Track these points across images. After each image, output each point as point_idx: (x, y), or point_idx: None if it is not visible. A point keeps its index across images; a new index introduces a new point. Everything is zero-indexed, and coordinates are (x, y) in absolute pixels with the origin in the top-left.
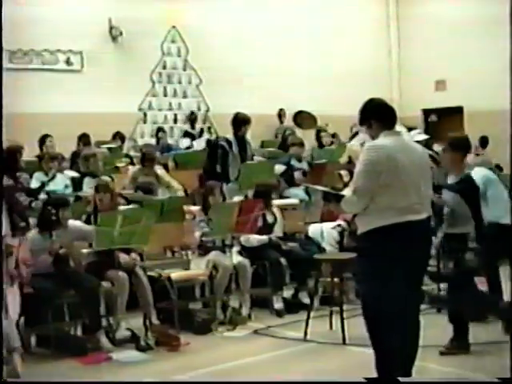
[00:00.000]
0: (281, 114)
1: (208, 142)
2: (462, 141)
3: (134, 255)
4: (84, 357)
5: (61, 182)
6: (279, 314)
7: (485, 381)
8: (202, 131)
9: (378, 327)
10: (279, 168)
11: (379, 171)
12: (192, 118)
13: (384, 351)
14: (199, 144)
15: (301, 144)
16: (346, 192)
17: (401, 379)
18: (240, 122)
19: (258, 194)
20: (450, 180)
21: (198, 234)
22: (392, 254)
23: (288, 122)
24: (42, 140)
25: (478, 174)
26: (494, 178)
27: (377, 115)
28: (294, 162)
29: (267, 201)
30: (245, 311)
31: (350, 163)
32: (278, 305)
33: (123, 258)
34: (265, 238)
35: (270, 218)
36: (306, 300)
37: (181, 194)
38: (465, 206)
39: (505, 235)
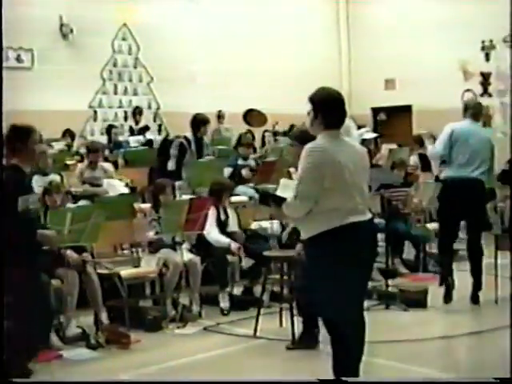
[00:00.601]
0: (219, 115)
1: (164, 139)
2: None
3: (84, 254)
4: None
5: None
6: (224, 312)
7: (483, 381)
8: (146, 128)
9: (336, 329)
10: (226, 171)
11: (323, 174)
12: (136, 113)
13: (343, 352)
14: (136, 140)
15: (248, 144)
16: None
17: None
18: (199, 122)
19: (212, 193)
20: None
21: (150, 232)
22: (340, 257)
23: (226, 122)
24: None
25: None
26: None
27: (324, 109)
28: (240, 161)
29: (220, 199)
30: (195, 309)
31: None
32: (224, 304)
33: (72, 256)
34: (226, 241)
35: (222, 216)
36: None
37: (124, 189)
38: None
39: None
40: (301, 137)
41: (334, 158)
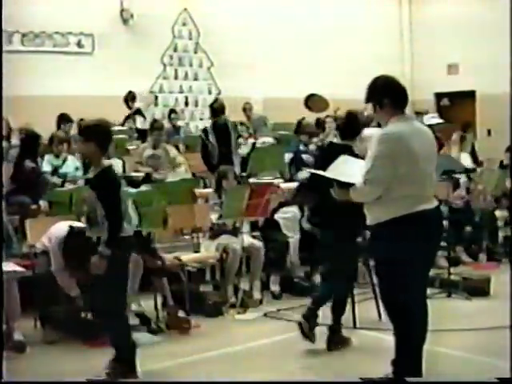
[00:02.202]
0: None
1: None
2: (97, 128)
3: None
4: (94, 340)
5: (71, 165)
6: (275, 295)
7: (484, 381)
8: (138, 111)
9: (401, 315)
10: (287, 156)
11: (396, 162)
12: (128, 98)
13: (406, 338)
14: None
15: (310, 132)
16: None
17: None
18: (215, 110)
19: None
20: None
21: (213, 216)
22: (408, 244)
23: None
24: (60, 120)
25: None
26: None
27: (390, 94)
28: (302, 147)
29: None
30: (256, 295)
31: None
32: (274, 287)
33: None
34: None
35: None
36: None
37: (185, 169)
38: None
39: None
40: (85, 131)
41: (408, 146)
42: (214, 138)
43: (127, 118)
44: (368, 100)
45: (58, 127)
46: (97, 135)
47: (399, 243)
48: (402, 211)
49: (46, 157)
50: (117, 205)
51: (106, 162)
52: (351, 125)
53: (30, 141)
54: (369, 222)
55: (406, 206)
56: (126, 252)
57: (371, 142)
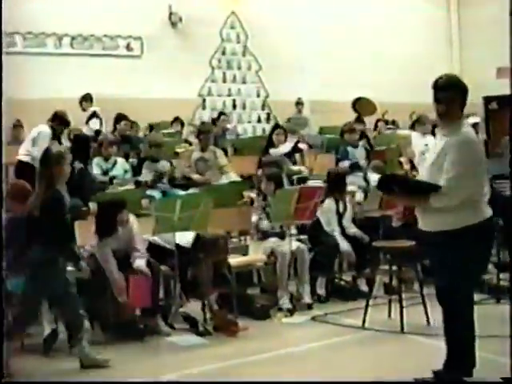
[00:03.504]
0: (298, 103)
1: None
2: None
3: None
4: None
5: (120, 167)
6: (321, 299)
7: (487, 381)
8: (94, 115)
9: (460, 318)
10: (343, 164)
11: (477, 168)
12: (83, 100)
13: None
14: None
15: (352, 130)
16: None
17: None
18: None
19: (330, 181)
20: None
21: (254, 218)
22: (482, 250)
23: (305, 111)
24: (117, 121)
25: None
26: None
27: (462, 94)
28: (350, 149)
29: (338, 189)
30: (307, 299)
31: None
32: (321, 290)
33: None
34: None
35: (341, 207)
36: (365, 288)
37: (234, 176)
38: None
39: None
40: None
41: (482, 150)
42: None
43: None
44: (440, 100)
45: (114, 128)
46: None
47: (469, 251)
48: (477, 218)
49: (95, 159)
50: None
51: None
52: None
53: (81, 143)
54: (431, 227)
55: (479, 213)
56: None
57: (450, 148)
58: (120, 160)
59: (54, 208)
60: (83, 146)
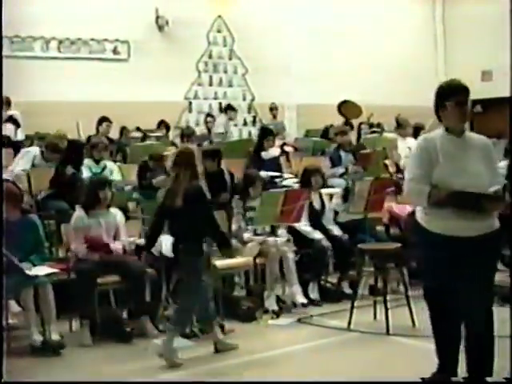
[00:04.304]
0: (272, 108)
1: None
2: None
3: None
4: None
5: (109, 170)
6: (316, 303)
7: (490, 381)
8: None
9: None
10: (337, 171)
11: None
12: None
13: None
14: None
15: (344, 132)
16: None
17: None
18: None
19: (305, 177)
20: None
21: (234, 227)
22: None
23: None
24: (100, 122)
25: None
26: None
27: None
28: (342, 153)
29: (311, 185)
30: (300, 299)
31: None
32: (314, 294)
33: None
34: (317, 236)
35: (316, 204)
36: (348, 290)
37: None
38: None
39: None
40: None
41: None
42: None
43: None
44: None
45: (97, 131)
46: None
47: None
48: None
49: (86, 161)
50: None
51: None
52: None
53: (74, 149)
54: (480, 231)
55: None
56: None
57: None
58: (109, 163)
59: (198, 199)
60: (76, 152)
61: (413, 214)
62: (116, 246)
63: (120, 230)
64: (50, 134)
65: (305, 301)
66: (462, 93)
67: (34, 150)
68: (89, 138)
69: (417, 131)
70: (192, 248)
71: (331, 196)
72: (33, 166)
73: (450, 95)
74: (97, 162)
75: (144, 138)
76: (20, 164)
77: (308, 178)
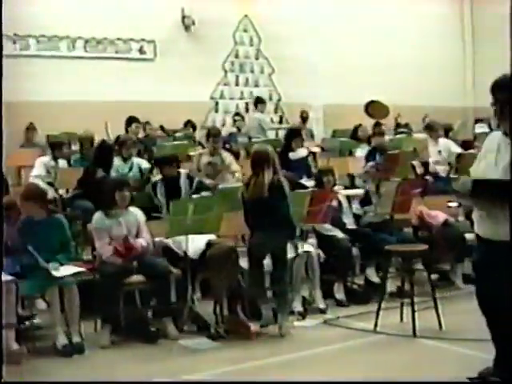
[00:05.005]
0: (303, 115)
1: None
2: None
3: None
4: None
5: (136, 168)
6: (343, 304)
7: (488, 380)
8: None
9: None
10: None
11: None
12: None
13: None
14: None
15: (381, 134)
16: None
17: None
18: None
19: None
20: None
21: None
22: None
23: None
24: (129, 123)
25: None
26: None
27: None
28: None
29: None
30: (320, 304)
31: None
32: (339, 295)
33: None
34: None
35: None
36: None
37: (237, 176)
38: None
39: None
40: None
41: None
42: None
43: None
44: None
45: (126, 131)
46: None
47: None
48: None
49: (115, 160)
50: None
51: None
52: None
53: (104, 151)
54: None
55: None
56: None
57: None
58: (136, 159)
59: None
60: (106, 154)
61: (445, 223)
62: (139, 243)
63: (141, 228)
64: (77, 135)
65: (324, 306)
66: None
67: (47, 160)
68: (117, 137)
69: (446, 133)
70: (284, 232)
71: (348, 197)
72: (69, 165)
73: None
74: (125, 159)
75: (169, 136)
76: (34, 171)
77: (320, 177)
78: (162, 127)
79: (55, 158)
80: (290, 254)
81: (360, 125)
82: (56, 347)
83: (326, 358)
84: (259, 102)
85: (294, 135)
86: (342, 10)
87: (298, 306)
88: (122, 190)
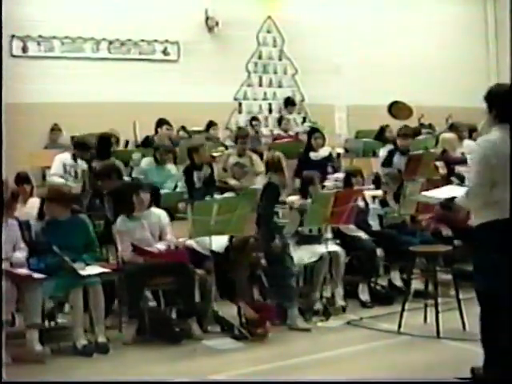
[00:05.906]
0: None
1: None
2: None
3: None
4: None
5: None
6: (367, 305)
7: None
8: None
9: (492, 323)
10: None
11: (491, 167)
12: None
13: (495, 348)
14: None
15: (407, 135)
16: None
17: None
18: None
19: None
20: None
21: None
22: (503, 249)
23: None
24: (159, 125)
25: None
26: None
27: (498, 104)
28: (397, 156)
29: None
30: (340, 302)
31: (445, 154)
32: (364, 296)
33: None
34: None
35: (360, 204)
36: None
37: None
38: None
39: None
40: None
41: (501, 151)
42: None
43: None
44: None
45: (156, 131)
46: None
47: (496, 247)
48: (492, 217)
49: (151, 166)
50: None
51: None
52: None
53: (101, 142)
54: (473, 223)
55: (497, 212)
56: None
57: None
58: (170, 166)
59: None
60: (106, 146)
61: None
62: (160, 247)
63: (165, 230)
64: None
65: (344, 303)
66: None
67: (65, 157)
68: (146, 138)
69: (470, 134)
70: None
71: (374, 197)
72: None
73: None
74: (161, 164)
75: (190, 138)
76: (52, 169)
77: (349, 178)
78: (183, 127)
79: (75, 158)
80: (314, 258)
81: (387, 125)
82: (76, 347)
83: (349, 359)
84: (289, 103)
85: (313, 132)
86: (365, 11)
87: (320, 306)
88: (138, 193)
